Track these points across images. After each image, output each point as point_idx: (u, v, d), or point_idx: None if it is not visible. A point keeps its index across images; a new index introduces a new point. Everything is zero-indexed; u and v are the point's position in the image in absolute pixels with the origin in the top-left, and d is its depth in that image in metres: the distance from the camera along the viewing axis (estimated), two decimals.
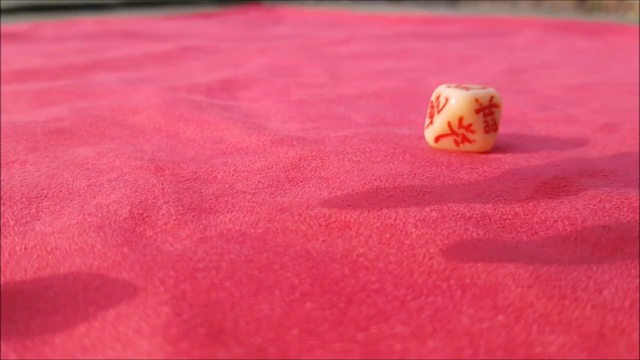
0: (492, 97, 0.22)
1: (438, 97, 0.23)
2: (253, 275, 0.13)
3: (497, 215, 0.16)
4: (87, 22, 0.74)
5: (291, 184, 0.19)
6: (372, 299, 0.13)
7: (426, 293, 0.13)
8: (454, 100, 0.22)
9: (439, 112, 0.22)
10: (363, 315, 0.12)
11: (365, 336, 0.11)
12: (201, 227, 0.16)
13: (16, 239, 0.15)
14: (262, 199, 0.17)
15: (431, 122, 0.23)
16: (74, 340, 0.11)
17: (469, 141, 0.22)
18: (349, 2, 1.13)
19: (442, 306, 0.12)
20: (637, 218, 0.16)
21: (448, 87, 0.23)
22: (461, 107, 0.22)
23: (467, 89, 0.22)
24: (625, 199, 0.17)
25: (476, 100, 0.22)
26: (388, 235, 0.15)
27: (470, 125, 0.22)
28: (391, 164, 0.20)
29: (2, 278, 0.14)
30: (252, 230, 0.16)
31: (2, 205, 0.17)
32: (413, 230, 0.15)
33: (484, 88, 0.23)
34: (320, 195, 0.18)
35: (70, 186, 0.19)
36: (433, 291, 0.13)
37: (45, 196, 0.18)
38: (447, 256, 0.14)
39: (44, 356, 0.11)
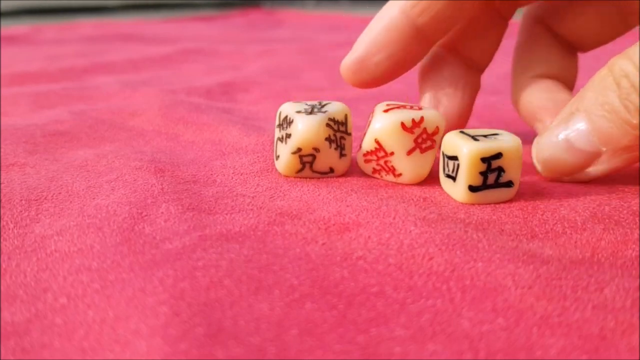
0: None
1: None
2: (252, 275, 0.13)
3: (496, 219, 0.16)
4: (87, 25, 0.74)
5: (289, 184, 0.19)
6: (371, 301, 0.13)
7: (426, 296, 0.13)
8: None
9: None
10: (363, 318, 0.12)
11: (365, 338, 0.11)
12: (200, 226, 0.16)
13: (16, 241, 0.15)
14: (262, 203, 0.17)
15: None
16: (72, 344, 0.11)
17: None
18: (348, 5, 1.13)
19: (441, 309, 0.12)
20: (637, 221, 0.16)
21: None
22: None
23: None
24: (625, 202, 0.17)
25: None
26: (387, 235, 0.15)
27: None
28: None
29: (2, 281, 0.13)
30: (252, 233, 0.16)
31: (1, 208, 0.17)
32: (412, 228, 0.15)
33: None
34: (318, 195, 0.18)
35: (70, 188, 0.19)
36: (433, 294, 0.13)
37: (45, 198, 0.18)
38: (447, 256, 0.14)
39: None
